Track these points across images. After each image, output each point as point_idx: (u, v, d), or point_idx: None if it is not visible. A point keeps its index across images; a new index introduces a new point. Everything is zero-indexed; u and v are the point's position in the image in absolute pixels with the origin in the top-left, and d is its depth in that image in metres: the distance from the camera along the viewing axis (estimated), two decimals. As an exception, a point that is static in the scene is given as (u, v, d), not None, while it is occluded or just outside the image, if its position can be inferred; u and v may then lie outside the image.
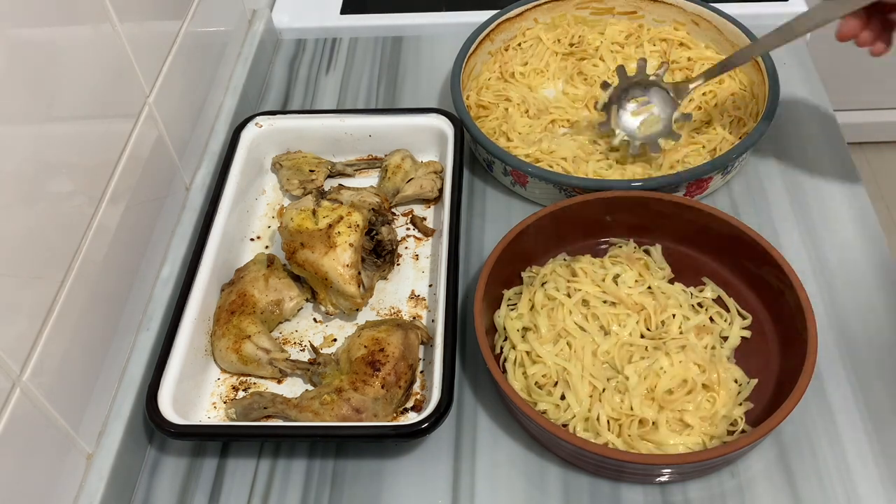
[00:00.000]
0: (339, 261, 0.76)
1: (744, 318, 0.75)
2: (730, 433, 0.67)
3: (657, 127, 0.89)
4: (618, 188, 0.80)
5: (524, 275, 0.79)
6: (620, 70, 0.90)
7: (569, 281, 0.75)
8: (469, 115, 0.89)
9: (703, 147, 0.90)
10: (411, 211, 0.89)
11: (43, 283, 0.61)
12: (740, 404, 0.69)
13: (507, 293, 0.77)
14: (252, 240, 0.88)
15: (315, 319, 0.81)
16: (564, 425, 0.68)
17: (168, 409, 0.69)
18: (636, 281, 0.76)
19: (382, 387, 0.70)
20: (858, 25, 0.73)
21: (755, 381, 0.70)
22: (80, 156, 0.66)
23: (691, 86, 0.88)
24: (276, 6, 1.18)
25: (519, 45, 1.03)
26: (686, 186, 0.83)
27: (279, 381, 0.76)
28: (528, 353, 0.71)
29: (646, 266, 0.77)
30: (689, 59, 0.99)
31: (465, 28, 1.00)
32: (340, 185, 0.89)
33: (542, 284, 0.76)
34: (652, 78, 0.89)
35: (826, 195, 0.88)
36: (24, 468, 0.58)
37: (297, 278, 0.80)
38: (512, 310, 0.75)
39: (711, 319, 0.74)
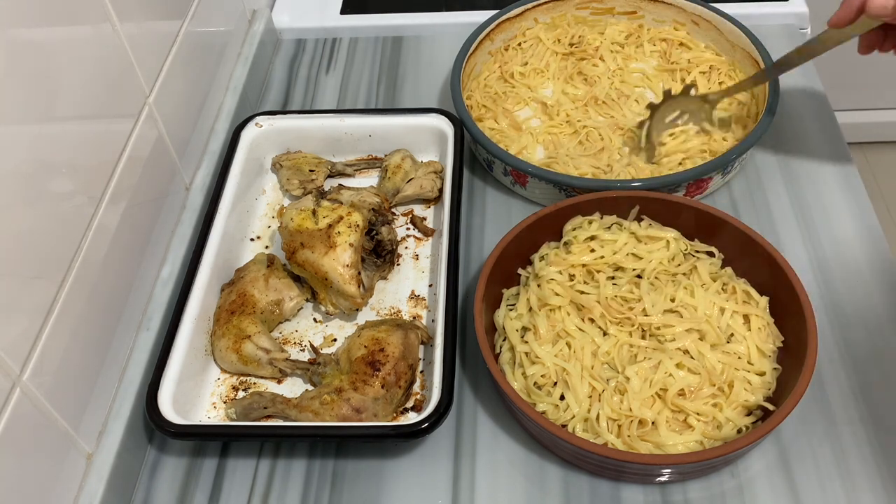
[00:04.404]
0: (339, 261, 0.76)
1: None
2: (730, 433, 0.67)
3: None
4: (618, 188, 0.80)
5: (521, 273, 0.78)
6: (666, 92, 0.91)
7: (563, 260, 0.76)
8: (469, 115, 0.89)
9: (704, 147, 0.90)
10: (411, 211, 0.89)
11: (43, 283, 0.61)
12: (749, 414, 0.68)
13: (507, 293, 0.77)
14: (252, 240, 0.88)
15: (315, 319, 0.81)
16: (564, 426, 0.68)
17: (168, 409, 0.68)
18: (627, 243, 0.76)
19: (382, 387, 0.70)
20: (876, 40, 0.75)
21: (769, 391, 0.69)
22: (80, 156, 0.66)
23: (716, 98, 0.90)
24: (276, 6, 1.18)
25: (519, 44, 1.03)
26: (686, 186, 0.83)
27: (279, 381, 0.76)
28: (526, 353, 0.71)
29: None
30: (688, 60, 0.99)
31: (465, 28, 1.00)
32: (340, 185, 0.89)
33: (538, 284, 0.75)
34: (692, 93, 0.91)
35: (826, 195, 0.88)
36: (24, 468, 0.58)
37: (297, 278, 0.80)
38: (511, 309, 0.75)
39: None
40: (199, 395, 0.74)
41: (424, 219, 0.88)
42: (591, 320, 0.73)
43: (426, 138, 0.92)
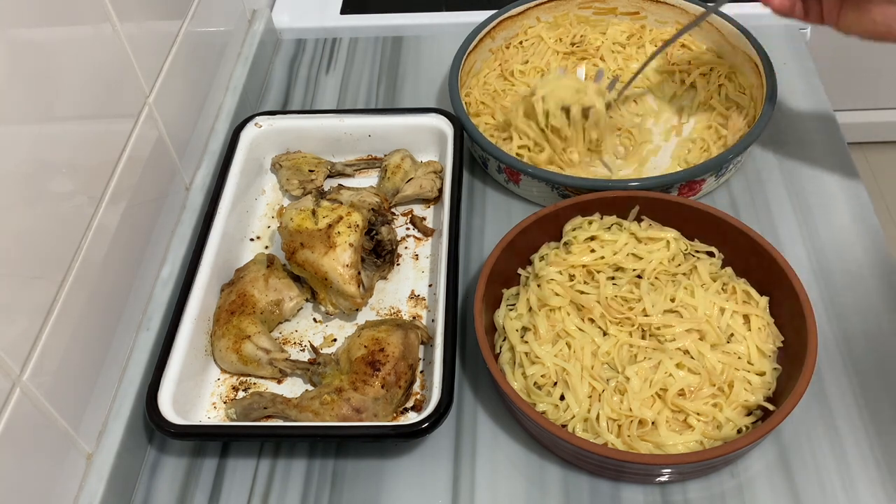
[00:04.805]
0: (339, 261, 0.76)
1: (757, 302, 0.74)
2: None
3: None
4: (612, 188, 0.80)
5: (521, 273, 0.78)
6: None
7: (563, 260, 0.75)
8: (465, 111, 0.89)
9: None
10: (411, 211, 0.89)
11: (43, 283, 0.61)
12: (749, 414, 0.68)
13: (507, 293, 0.77)
14: (252, 240, 0.88)
15: (315, 319, 0.81)
16: (564, 426, 0.68)
17: (168, 409, 0.69)
18: (627, 244, 0.76)
19: (382, 387, 0.70)
20: None
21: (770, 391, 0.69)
22: (80, 156, 0.66)
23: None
24: (276, 6, 1.18)
25: (520, 43, 1.03)
26: (678, 188, 0.83)
27: (279, 381, 0.76)
28: (526, 353, 0.71)
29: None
30: (689, 61, 0.99)
31: (466, 28, 1.00)
32: (340, 185, 0.89)
33: (538, 284, 0.75)
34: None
35: (826, 195, 0.88)
36: (24, 468, 0.58)
37: (297, 278, 0.80)
38: (511, 309, 0.75)
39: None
40: (199, 395, 0.74)
41: (424, 219, 0.88)
42: (591, 320, 0.73)
43: (426, 138, 0.92)
